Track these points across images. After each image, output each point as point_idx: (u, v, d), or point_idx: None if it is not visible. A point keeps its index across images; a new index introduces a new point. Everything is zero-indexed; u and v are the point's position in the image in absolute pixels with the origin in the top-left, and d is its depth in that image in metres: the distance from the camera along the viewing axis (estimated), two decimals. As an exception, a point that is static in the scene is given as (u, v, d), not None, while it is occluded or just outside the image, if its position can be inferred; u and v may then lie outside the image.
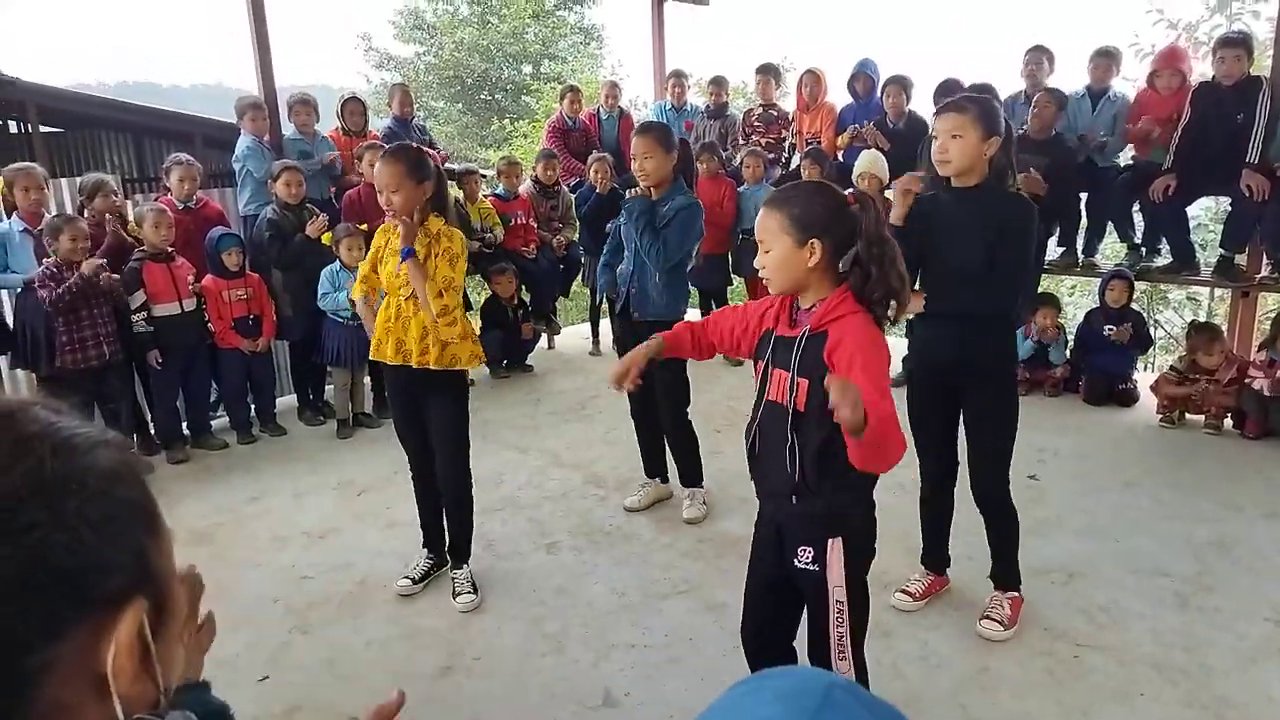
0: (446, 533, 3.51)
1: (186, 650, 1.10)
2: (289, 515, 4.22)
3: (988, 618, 3.04)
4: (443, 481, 3.37)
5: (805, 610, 2.25)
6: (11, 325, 4.69)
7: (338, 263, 5.15)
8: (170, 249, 4.84)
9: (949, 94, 5.69)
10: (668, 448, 4.11)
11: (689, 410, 3.98)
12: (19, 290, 4.59)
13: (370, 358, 3.39)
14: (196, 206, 5.27)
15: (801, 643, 2.29)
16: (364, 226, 5.25)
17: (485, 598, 3.40)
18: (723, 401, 5.54)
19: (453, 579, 3.43)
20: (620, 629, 3.16)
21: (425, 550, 3.54)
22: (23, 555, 0.55)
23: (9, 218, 4.78)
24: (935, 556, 3.28)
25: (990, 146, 2.74)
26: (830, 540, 2.09)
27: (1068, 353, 5.63)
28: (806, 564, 2.12)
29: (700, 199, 3.94)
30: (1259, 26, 7.62)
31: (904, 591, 3.24)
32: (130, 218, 5.16)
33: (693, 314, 4.14)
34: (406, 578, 3.47)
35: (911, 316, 3.01)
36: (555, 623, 3.22)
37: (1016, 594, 3.09)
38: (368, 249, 5.05)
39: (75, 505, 0.58)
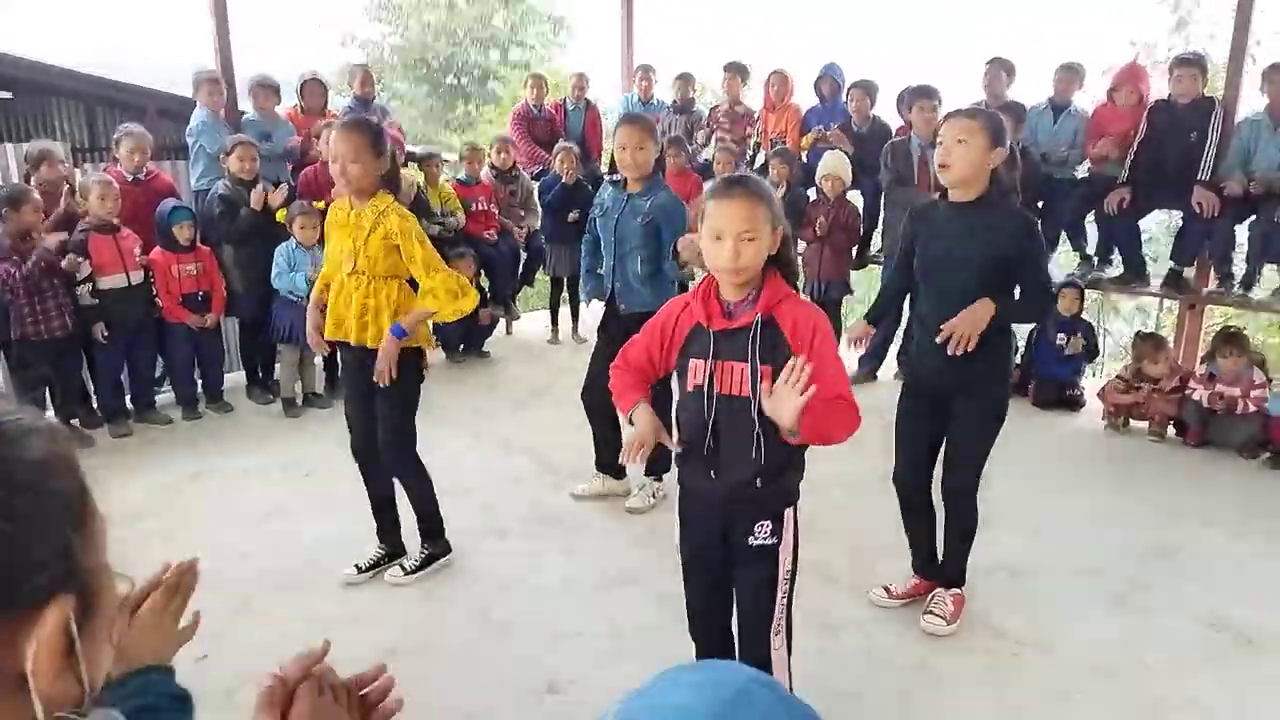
0: (398, 522, 3.47)
1: (161, 634, 1.09)
2: (233, 494, 4.14)
3: (931, 613, 3.07)
4: (386, 462, 3.31)
5: (736, 592, 2.29)
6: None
7: (293, 241, 5.05)
8: (115, 221, 4.71)
9: (908, 99, 5.80)
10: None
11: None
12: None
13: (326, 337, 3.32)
14: (146, 179, 5.14)
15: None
16: (320, 204, 5.16)
17: (433, 583, 3.36)
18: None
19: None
20: (567, 618, 3.15)
21: (378, 540, 3.48)
22: None
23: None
24: (924, 561, 3.23)
25: (995, 158, 2.72)
26: (787, 510, 2.18)
27: (1018, 358, 5.71)
28: (764, 539, 2.17)
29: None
30: (1215, 48, 7.81)
31: (884, 589, 3.24)
32: (77, 188, 5.02)
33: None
34: (355, 565, 3.41)
35: (913, 330, 3.02)
36: (503, 610, 3.20)
37: (959, 591, 3.13)
38: (323, 227, 5.00)
39: (0, 498, 0.55)
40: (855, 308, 7.43)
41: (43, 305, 4.40)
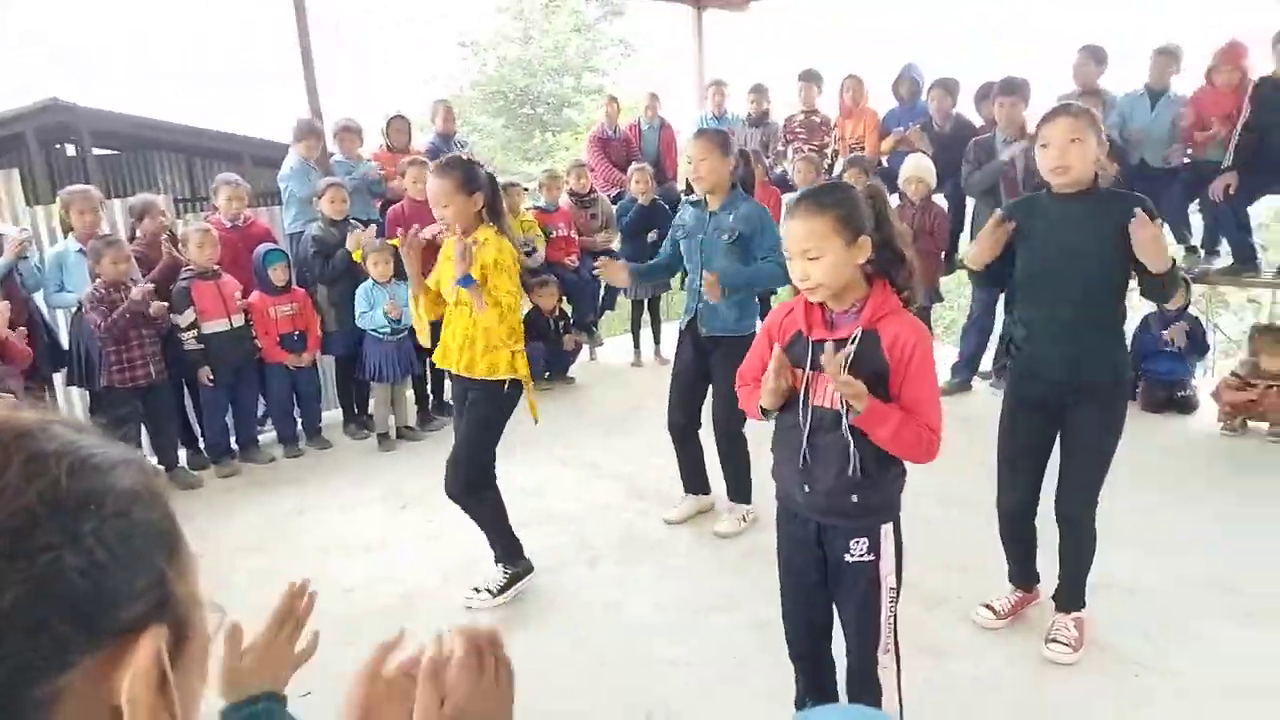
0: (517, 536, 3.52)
1: (275, 660, 1.10)
2: (335, 528, 4.25)
3: (1055, 640, 2.91)
4: (447, 479, 3.32)
5: (839, 612, 2.23)
6: (66, 344, 4.80)
7: (370, 280, 5.17)
8: (216, 267, 4.91)
9: (988, 95, 5.64)
10: (720, 461, 4.02)
11: (743, 428, 3.87)
12: (75, 309, 4.70)
13: (433, 361, 3.45)
14: (244, 225, 5.36)
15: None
16: (394, 241, 5.28)
17: (527, 612, 3.37)
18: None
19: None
20: (664, 646, 3.11)
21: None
22: (35, 578, 0.52)
23: (66, 238, 4.90)
24: (1024, 572, 3.14)
25: (1102, 151, 2.67)
26: (883, 527, 2.12)
27: (1123, 358, 5.46)
28: (860, 555, 2.11)
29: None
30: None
31: (987, 607, 3.13)
32: (179, 237, 5.26)
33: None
34: (473, 589, 3.46)
35: (1019, 337, 2.88)
36: (597, 639, 3.19)
37: (1080, 615, 2.97)
38: (395, 262, 5.12)
39: (92, 527, 0.55)
40: (945, 313, 7.23)
41: (129, 354, 4.56)
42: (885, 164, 6.47)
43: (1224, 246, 5.47)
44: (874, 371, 2.00)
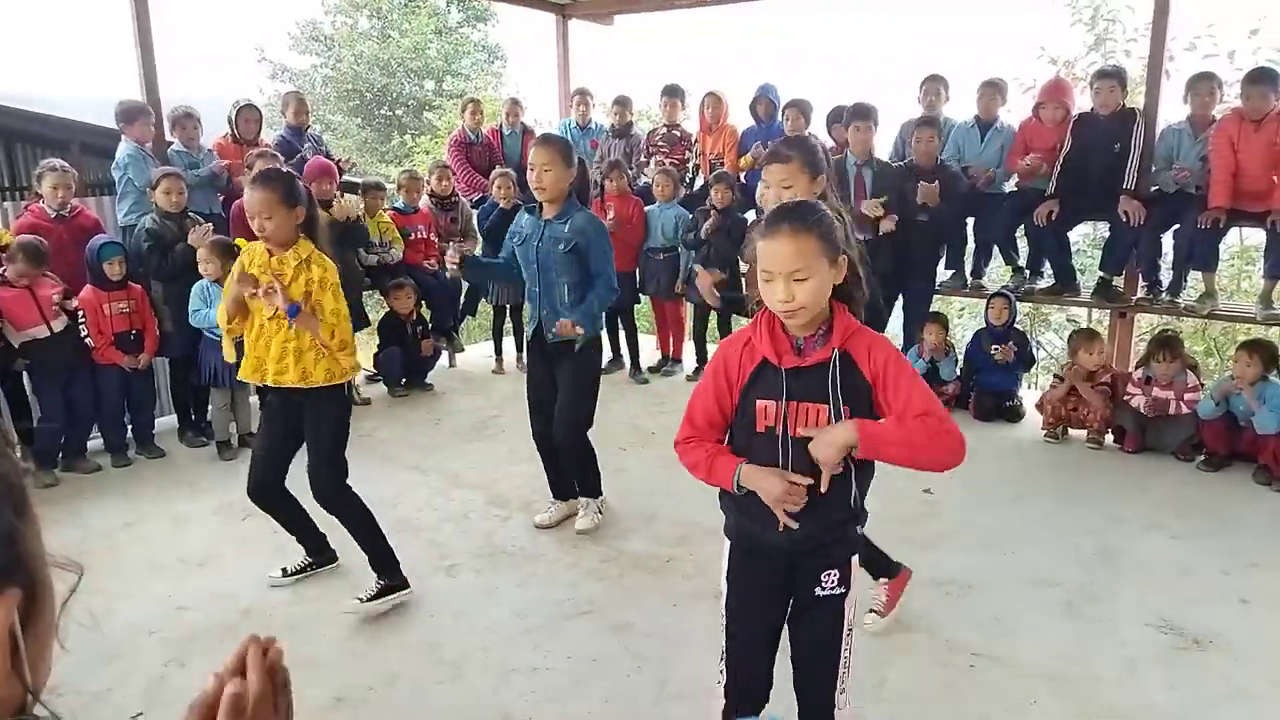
0: (322, 533, 3.57)
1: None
2: (166, 542, 3.97)
3: (871, 611, 3.14)
4: (319, 497, 3.28)
5: (797, 649, 2.14)
6: None
7: (207, 278, 4.89)
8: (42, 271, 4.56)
9: (840, 119, 5.90)
10: (566, 465, 4.01)
11: (589, 430, 3.91)
12: None
13: (239, 378, 3.35)
14: (71, 215, 4.96)
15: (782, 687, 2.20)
16: (241, 241, 5.02)
17: (381, 625, 3.25)
18: (628, 420, 5.50)
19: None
20: (522, 653, 3.07)
21: (307, 556, 3.58)
22: None
23: None
24: (877, 565, 3.24)
25: (818, 185, 2.74)
26: (852, 558, 2.09)
27: (958, 370, 5.81)
28: (831, 588, 2.05)
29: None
30: (1132, 64, 8.09)
31: (872, 611, 3.19)
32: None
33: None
34: (281, 569, 3.55)
35: None
36: (453, 649, 3.11)
37: (888, 579, 3.18)
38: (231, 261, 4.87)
39: None
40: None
41: None
42: (744, 180, 6.65)
43: (1047, 269, 5.90)
44: (859, 394, 1.93)
